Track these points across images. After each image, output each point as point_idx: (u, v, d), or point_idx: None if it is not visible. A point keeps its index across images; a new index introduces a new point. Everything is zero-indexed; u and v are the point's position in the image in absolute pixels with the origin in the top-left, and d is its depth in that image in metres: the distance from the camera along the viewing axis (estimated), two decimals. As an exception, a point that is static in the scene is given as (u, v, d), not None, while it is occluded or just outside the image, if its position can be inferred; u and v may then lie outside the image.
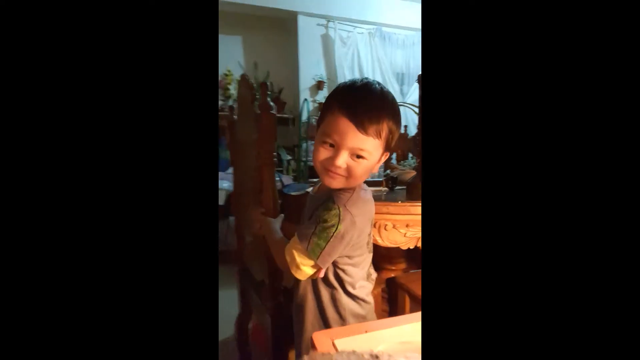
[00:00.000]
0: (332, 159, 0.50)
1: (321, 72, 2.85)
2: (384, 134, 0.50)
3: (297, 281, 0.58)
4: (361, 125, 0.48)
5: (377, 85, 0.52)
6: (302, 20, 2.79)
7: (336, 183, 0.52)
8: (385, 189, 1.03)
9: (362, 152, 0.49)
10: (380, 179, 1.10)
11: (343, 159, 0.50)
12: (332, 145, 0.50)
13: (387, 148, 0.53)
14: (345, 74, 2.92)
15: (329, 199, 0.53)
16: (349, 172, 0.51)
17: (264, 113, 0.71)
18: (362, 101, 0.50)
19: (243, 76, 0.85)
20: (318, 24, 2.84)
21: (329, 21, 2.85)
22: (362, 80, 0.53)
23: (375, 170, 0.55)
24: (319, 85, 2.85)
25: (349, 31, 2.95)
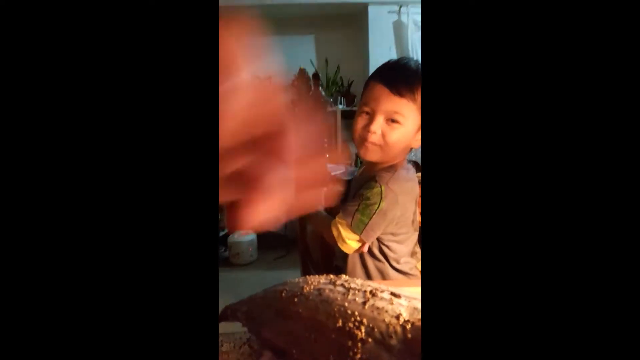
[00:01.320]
0: (367, 125, 0.53)
1: (393, 58, 2.75)
2: (418, 97, 0.52)
3: (346, 257, 0.61)
4: (394, 88, 0.51)
5: (412, 60, 0.56)
6: (372, 11, 2.74)
7: (370, 154, 0.54)
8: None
9: (396, 115, 0.52)
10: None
11: (378, 124, 0.52)
12: (368, 114, 0.53)
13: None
14: (420, 58, 2.74)
15: (372, 178, 0.55)
16: (383, 140, 0.52)
17: (317, 102, 0.75)
18: (395, 68, 0.55)
19: (300, 69, 0.91)
20: (389, 12, 2.74)
21: (401, 6, 2.71)
22: (400, 57, 0.56)
23: (416, 145, 0.55)
24: (391, 74, 2.75)
25: (424, 13, 2.74)
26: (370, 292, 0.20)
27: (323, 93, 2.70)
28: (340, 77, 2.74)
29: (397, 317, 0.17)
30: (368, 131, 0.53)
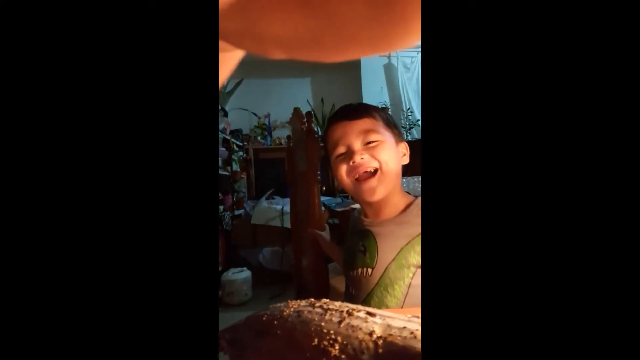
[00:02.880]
0: (351, 162, 0.48)
1: (385, 99, 2.91)
2: (377, 117, 0.51)
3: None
4: (352, 115, 0.50)
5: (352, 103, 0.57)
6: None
7: (378, 190, 0.48)
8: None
9: (370, 134, 0.48)
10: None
11: (360, 153, 0.48)
12: (344, 154, 0.49)
13: (397, 134, 0.52)
14: (410, 97, 2.90)
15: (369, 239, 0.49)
16: (376, 160, 0.48)
17: (309, 138, 0.79)
18: (345, 107, 0.54)
19: (296, 109, 0.98)
20: (380, 55, 2.97)
21: (391, 52, 2.95)
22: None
23: (405, 160, 0.53)
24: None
25: (412, 57, 2.97)
26: (347, 311, 0.21)
27: (316, 128, 2.83)
28: (336, 115, 2.87)
29: (370, 334, 0.18)
30: (354, 162, 0.48)
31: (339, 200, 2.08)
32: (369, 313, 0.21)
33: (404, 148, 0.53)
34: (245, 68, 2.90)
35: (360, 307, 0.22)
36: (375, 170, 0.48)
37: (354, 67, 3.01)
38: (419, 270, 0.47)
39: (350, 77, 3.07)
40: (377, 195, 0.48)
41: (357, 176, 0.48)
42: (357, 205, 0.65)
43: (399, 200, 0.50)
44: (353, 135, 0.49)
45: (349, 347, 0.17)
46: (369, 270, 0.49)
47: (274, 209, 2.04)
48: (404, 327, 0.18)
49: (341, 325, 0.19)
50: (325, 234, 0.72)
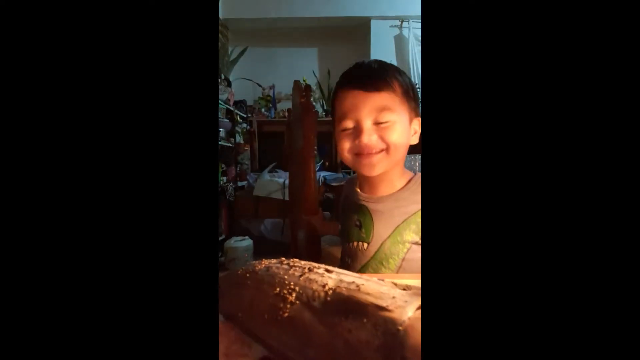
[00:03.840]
0: (358, 141, 0.43)
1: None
2: (397, 87, 0.44)
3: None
4: (370, 85, 0.42)
5: (370, 60, 0.48)
6: (374, 25, 2.82)
7: (378, 166, 0.44)
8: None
9: (384, 113, 0.42)
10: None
11: (369, 134, 0.42)
12: (351, 128, 0.44)
13: (413, 108, 0.46)
14: (419, 73, 2.80)
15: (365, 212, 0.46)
16: (384, 142, 0.43)
17: (306, 112, 0.80)
18: (360, 70, 0.46)
19: (296, 82, 0.97)
20: (391, 26, 2.82)
21: (403, 21, 2.79)
22: (356, 63, 0.48)
23: (414, 141, 0.47)
24: (390, 87, 2.81)
25: (425, 28, 2.82)
26: (309, 268, 0.24)
27: (321, 102, 2.77)
28: (342, 88, 2.80)
29: (324, 286, 0.21)
30: (361, 145, 0.43)
31: (340, 175, 2.10)
32: (327, 270, 0.23)
33: (416, 125, 0.47)
34: (250, 36, 2.81)
35: (322, 265, 0.25)
36: (381, 151, 0.44)
37: (363, 38, 2.89)
38: (414, 246, 0.46)
39: (359, 49, 2.96)
40: (376, 172, 0.45)
41: (362, 152, 0.44)
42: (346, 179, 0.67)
43: (397, 177, 0.48)
44: (365, 111, 0.43)
45: (304, 295, 0.21)
46: (365, 244, 0.48)
47: (276, 182, 2.08)
48: (353, 282, 0.21)
49: (301, 279, 0.22)
50: (319, 218, 0.74)
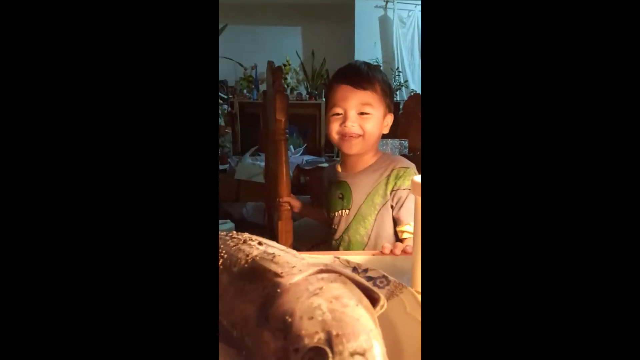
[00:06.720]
0: (343, 123, 0.60)
1: (377, 55, 2.78)
2: (378, 88, 0.60)
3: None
4: (358, 84, 0.59)
5: (361, 62, 0.65)
6: (359, 5, 2.75)
7: (355, 147, 0.61)
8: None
9: (366, 106, 0.59)
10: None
11: (353, 118, 0.59)
12: (340, 114, 0.60)
13: (387, 106, 0.63)
14: (403, 55, 2.78)
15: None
16: (362, 130, 0.60)
17: (277, 94, 0.80)
18: (353, 70, 0.63)
19: (269, 62, 0.96)
20: (376, 6, 2.76)
21: (387, 1, 2.74)
22: (350, 62, 0.66)
23: (386, 130, 0.64)
24: (374, 69, 2.80)
25: (410, 10, 2.78)
26: (244, 240, 0.26)
27: (305, 83, 2.73)
28: (326, 70, 2.77)
29: (248, 255, 0.24)
30: (345, 127, 0.60)
31: (323, 159, 2.12)
32: (260, 242, 0.26)
33: (389, 119, 0.64)
34: (230, 12, 2.68)
35: (259, 238, 0.27)
36: (359, 136, 0.61)
37: (347, 17, 2.82)
38: (382, 208, 0.63)
39: (343, 29, 2.90)
40: (354, 151, 0.62)
41: (344, 133, 0.61)
42: (325, 165, 0.75)
43: (370, 157, 0.66)
44: (352, 102, 0.59)
45: (228, 261, 0.23)
46: (346, 211, 0.65)
47: (258, 166, 2.07)
48: (272, 253, 0.23)
49: (232, 248, 0.25)
50: (295, 200, 0.80)
